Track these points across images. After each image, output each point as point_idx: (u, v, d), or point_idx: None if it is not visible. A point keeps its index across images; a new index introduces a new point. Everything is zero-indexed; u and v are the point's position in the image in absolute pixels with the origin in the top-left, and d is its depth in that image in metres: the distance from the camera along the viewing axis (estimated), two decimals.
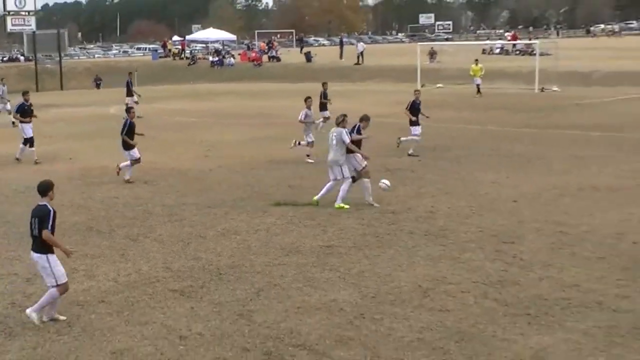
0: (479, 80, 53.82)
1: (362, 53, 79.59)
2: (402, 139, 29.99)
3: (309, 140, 28.12)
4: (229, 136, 34.76)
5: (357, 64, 77.98)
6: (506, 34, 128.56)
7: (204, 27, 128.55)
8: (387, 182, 21.03)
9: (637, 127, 34.67)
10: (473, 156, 27.87)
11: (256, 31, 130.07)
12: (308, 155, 27.72)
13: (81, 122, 42.85)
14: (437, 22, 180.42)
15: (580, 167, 25.49)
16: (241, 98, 55.12)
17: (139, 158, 24.65)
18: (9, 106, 44.92)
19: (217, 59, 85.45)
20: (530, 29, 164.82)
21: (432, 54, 79.84)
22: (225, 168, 25.84)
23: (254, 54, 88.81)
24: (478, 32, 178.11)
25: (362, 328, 12.18)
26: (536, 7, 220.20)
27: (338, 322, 12.41)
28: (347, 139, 20.19)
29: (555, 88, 55.03)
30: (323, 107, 35.56)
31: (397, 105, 46.56)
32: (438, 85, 60.22)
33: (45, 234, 12.04)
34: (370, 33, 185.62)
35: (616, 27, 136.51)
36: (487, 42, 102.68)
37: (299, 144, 28.19)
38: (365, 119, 21.23)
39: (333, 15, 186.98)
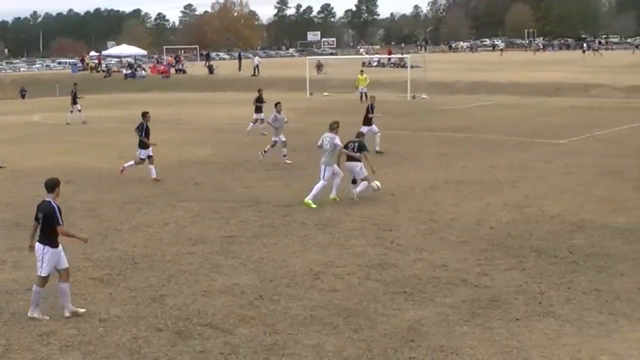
0: (364, 89, 54.14)
1: (257, 66, 79.26)
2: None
3: (282, 139, 26.70)
4: None
5: (254, 75, 77.58)
6: (367, 48, 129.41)
7: (118, 44, 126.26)
8: (378, 183, 20.67)
9: (491, 129, 35.30)
10: None
11: (164, 47, 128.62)
12: (285, 156, 26.47)
13: (8, 128, 41.67)
14: (323, 39, 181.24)
15: (446, 163, 25.81)
16: (152, 106, 53.92)
17: (144, 160, 23.92)
18: None
19: (130, 71, 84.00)
20: (402, 44, 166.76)
21: (319, 67, 79.97)
22: (138, 168, 25.44)
23: (162, 67, 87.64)
24: (358, 47, 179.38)
25: (261, 308, 12.13)
26: (407, 26, 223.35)
27: (240, 303, 12.33)
28: (340, 144, 19.98)
29: (424, 96, 55.65)
30: (258, 110, 35.81)
31: (290, 112, 46.64)
32: (325, 93, 60.34)
33: (61, 229, 11.57)
34: (259, 48, 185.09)
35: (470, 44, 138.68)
36: (366, 56, 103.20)
37: (265, 151, 26.77)
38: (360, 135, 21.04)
39: (232, 32, 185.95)
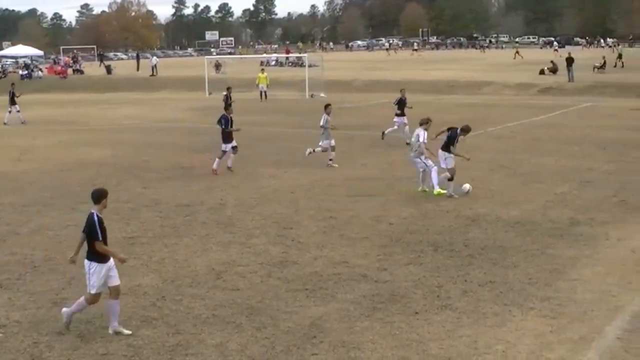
0: (264, 88, 53.96)
1: (155, 66, 78.36)
2: (386, 131, 30.66)
3: (332, 144, 25.30)
4: (40, 141, 33.43)
5: (152, 75, 76.74)
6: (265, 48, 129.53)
7: (13, 44, 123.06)
8: (468, 186, 20.32)
9: (389, 126, 35.60)
10: (257, 154, 27.93)
11: (61, 47, 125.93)
12: (331, 160, 25.21)
13: None
14: (221, 38, 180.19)
15: (346, 161, 25.96)
16: (49, 107, 53.05)
17: (226, 152, 24.23)
18: None
19: (26, 72, 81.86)
20: (300, 44, 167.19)
21: (218, 66, 79.51)
22: (37, 170, 24.90)
23: (59, 68, 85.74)
24: (256, 46, 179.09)
25: (164, 308, 12.03)
26: (304, 25, 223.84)
27: (143, 304, 12.19)
28: (423, 140, 20.00)
29: (322, 94, 55.78)
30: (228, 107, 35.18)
31: (188, 112, 46.36)
32: (224, 93, 59.92)
33: (98, 245, 10.78)
34: (158, 48, 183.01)
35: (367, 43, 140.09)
36: (265, 55, 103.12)
37: (314, 150, 25.55)
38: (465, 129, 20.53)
39: (130, 32, 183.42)
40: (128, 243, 16.01)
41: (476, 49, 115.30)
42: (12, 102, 42.13)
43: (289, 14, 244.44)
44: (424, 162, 20.21)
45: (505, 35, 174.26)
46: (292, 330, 11.09)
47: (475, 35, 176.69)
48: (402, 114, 30.55)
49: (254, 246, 15.64)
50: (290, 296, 12.54)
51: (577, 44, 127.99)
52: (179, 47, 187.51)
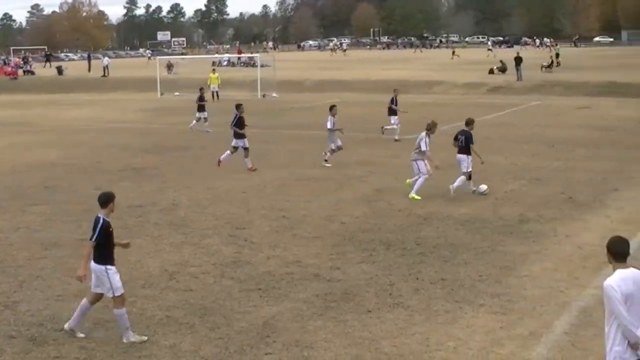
0: (216, 88, 53.77)
1: (107, 66, 77.67)
2: (385, 127, 31.41)
3: (338, 145, 25.16)
4: None
5: (104, 76, 76.03)
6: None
7: None
8: (484, 186, 20.31)
9: (341, 126, 35.65)
10: (209, 154, 27.77)
11: (11, 48, 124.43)
12: (326, 160, 25.03)
13: None
14: (173, 39, 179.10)
15: (298, 160, 26.03)
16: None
17: (238, 148, 24.65)
18: None
19: None
20: (252, 44, 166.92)
21: (170, 67, 78.96)
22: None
23: (10, 69, 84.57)
24: (208, 47, 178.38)
25: None
26: (256, 25, 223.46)
27: (95, 307, 12.02)
28: (424, 148, 19.68)
29: (274, 94, 55.79)
30: (201, 108, 35.55)
31: (140, 112, 46.00)
32: (176, 93, 59.60)
33: (88, 244, 10.59)
34: (109, 48, 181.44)
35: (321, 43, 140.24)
36: (217, 55, 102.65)
37: (327, 153, 25.17)
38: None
39: (81, 33, 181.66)
40: (81, 245, 15.79)
41: (414, 47, 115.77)
42: None
43: (240, 14, 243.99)
44: (419, 168, 19.97)
45: (455, 35, 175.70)
46: (245, 330, 11.07)
47: (425, 35, 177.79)
48: (394, 113, 31.63)
49: (206, 246, 15.58)
50: (244, 296, 12.51)
51: (526, 43, 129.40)
52: (129, 48, 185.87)
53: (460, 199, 19.50)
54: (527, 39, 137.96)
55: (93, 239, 10.52)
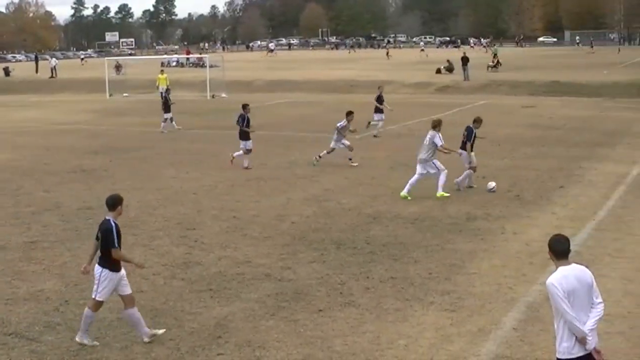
0: (164, 89, 53.35)
1: (55, 67, 76.76)
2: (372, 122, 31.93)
3: (346, 144, 24.46)
4: None
5: (52, 77, 75.12)
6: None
7: None
8: (493, 184, 20.35)
9: (290, 126, 35.85)
10: (159, 155, 27.64)
11: None
12: (318, 157, 24.52)
13: None
14: (122, 40, 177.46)
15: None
16: None
17: (251, 149, 24.65)
18: None
19: None
20: (201, 44, 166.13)
21: (118, 67, 78.23)
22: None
23: None
24: (156, 47, 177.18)
25: (67, 313, 11.80)
26: (205, 25, 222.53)
27: (45, 310, 11.93)
28: (440, 142, 19.68)
29: (223, 95, 55.56)
30: (167, 109, 35.11)
31: (89, 113, 45.51)
32: (124, 94, 59.12)
33: (115, 253, 10.25)
34: (57, 49, 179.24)
35: (271, 44, 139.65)
36: (165, 56, 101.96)
37: (350, 159, 24.57)
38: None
39: (28, 33, 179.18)
40: (29, 248, 15.64)
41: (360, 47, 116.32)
42: None
43: (189, 14, 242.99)
44: (437, 166, 19.93)
45: (402, 35, 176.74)
46: (197, 331, 11.01)
47: (373, 35, 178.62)
48: (381, 111, 32.03)
49: (157, 248, 15.46)
50: (195, 297, 12.44)
51: (463, 43, 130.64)
52: (75, 49, 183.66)
53: (410, 198, 19.57)
54: (473, 39, 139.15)
55: (117, 245, 10.30)
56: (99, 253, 10.49)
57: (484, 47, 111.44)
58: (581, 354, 7.46)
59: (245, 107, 25.18)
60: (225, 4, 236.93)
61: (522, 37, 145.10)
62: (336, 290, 12.66)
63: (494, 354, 10.17)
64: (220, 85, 56.98)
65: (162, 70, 55.82)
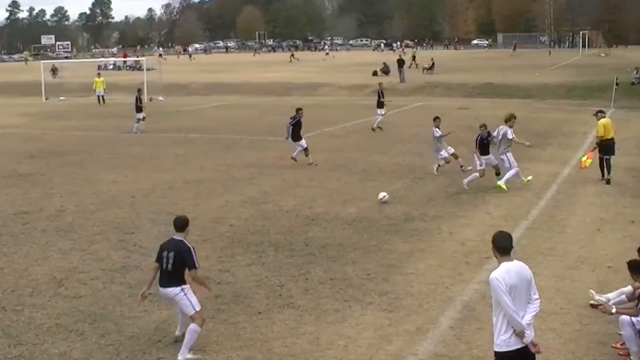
0: (102, 92, 52.67)
1: None
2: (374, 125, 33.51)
3: (450, 151, 23.54)
4: None
5: None
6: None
7: None
8: (383, 194, 19.62)
9: (226, 129, 35.68)
10: (96, 159, 27.30)
11: None
12: (462, 166, 23.37)
13: None
14: (58, 43, 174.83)
15: (184, 164, 25.74)
16: None
17: (307, 147, 25.04)
18: None
19: None
20: (138, 47, 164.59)
21: (54, 71, 77.16)
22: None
23: None
24: (93, 50, 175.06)
25: (4, 320, 11.57)
26: (141, 29, 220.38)
27: None
28: (511, 135, 20.22)
29: (161, 98, 55.06)
30: (139, 109, 35.58)
31: (24, 117, 44.73)
32: (61, 98, 58.24)
33: (194, 274, 10.12)
34: None
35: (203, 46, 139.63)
36: (102, 59, 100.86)
37: (439, 165, 23.48)
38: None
39: None
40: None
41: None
42: None
43: (126, 17, 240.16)
44: (509, 160, 20.60)
45: (339, 38, 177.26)
46: (136, 335, 10.90)
47: (310, 37, 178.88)
48: (381, 105, 34.05)
49: (95, 252, 15.26)
50: (134, 301, 12.25)
51: (407, 46, 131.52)
52: (5, 52, 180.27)
53: (346, 199, 19.65)
54: (408, 41, 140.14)
55: (197, 266, 10.24)
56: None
57: (401, 49, 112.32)
58: (518, 346, 7.61)
59: (298, 110, 25.55)
60: (162, 7, 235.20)
61: (456, 39, 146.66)
62: (275, 292, 12.64)
63: (431, 353, 10.25)
64: (157, 88, 56.48)
65: (99, 74, 55.23)
